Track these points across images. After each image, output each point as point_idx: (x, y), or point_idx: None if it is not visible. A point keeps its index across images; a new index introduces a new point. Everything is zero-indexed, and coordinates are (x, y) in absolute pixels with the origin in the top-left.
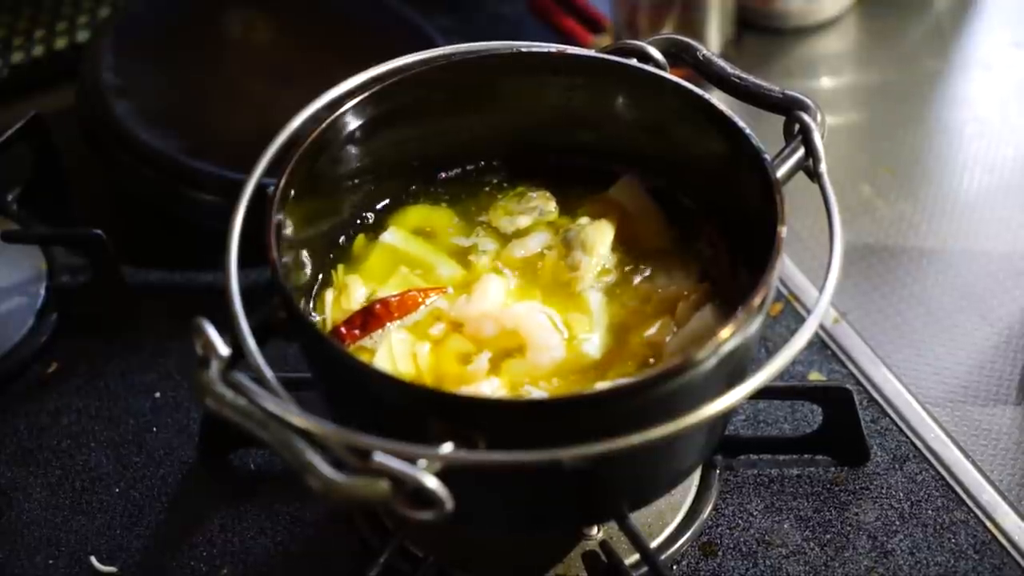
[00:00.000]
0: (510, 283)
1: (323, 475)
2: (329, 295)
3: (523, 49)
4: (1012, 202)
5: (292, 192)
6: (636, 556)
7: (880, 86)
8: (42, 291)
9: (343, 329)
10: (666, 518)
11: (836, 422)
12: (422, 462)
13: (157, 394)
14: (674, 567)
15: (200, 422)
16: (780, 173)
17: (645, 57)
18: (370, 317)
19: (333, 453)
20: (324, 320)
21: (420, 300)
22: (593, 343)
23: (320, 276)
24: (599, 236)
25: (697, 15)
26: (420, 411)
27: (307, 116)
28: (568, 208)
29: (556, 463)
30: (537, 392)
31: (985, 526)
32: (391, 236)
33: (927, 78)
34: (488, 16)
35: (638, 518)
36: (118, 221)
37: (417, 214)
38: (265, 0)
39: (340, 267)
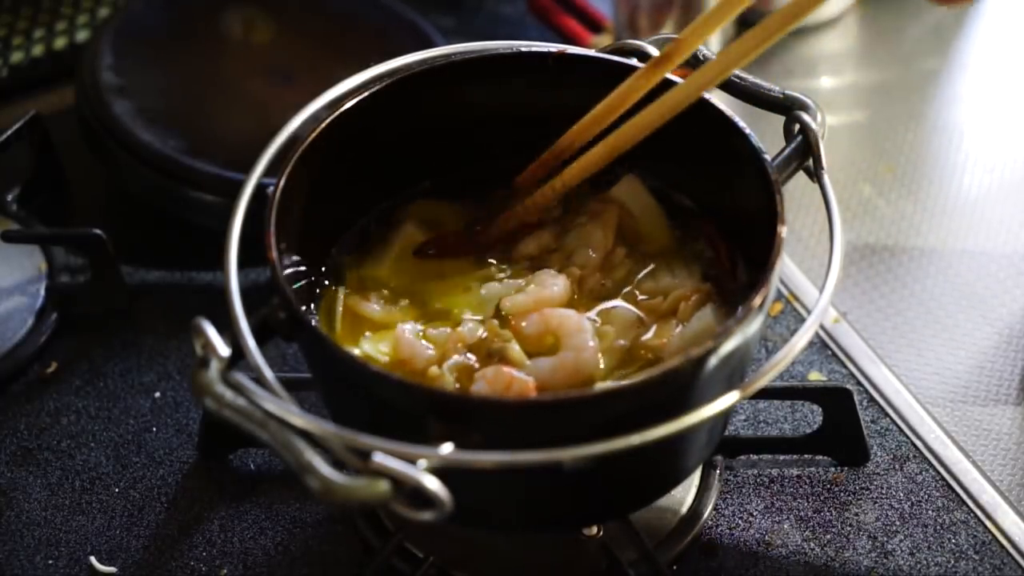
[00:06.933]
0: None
1: (323, 475)
2: (330, 295)
3: (523, 49)
4: (1012, 202)
5: (292, 192)
6: (636, 556)
7: (880, 85)
8: (42, 291)
9: None
10: (666, 518)
11: (836, 422)
12: (422, 462)
13: (157, 394)
14: (674, 567)
15: (200, 422)
16: (780, 173)
17: (645, 57)
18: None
19: (333, 453)
20: (327, 319)
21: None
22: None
23: (321, 276)
24: (601, 236)
25: (697, 15)
26: (420, 411)
27: (307, 116)
28: (571, 207)
29: (556, 463)
30: (527, 377)
31: (985, 526)
32: (394, 235)
33: (927, 78)
34: (488, 16)
35: (638, 518)
36: (118, 221)
37: (418, 214)
38: (265, 0)
39: (340, 267)
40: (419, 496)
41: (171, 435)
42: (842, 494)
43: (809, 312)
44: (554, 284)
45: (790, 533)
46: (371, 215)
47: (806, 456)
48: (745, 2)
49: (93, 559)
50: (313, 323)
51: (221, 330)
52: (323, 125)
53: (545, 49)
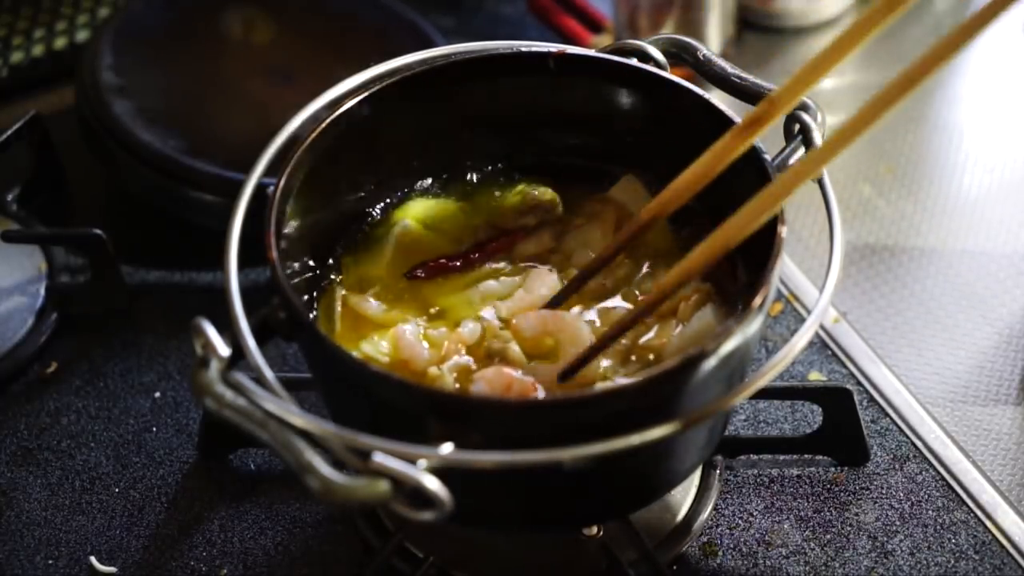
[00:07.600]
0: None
1: (323, 475)
2: (330, 294)
3: (523, 49)
4: (1012, 202)
5: (292, 192)
6: (636, 556)
7: (880, 86)
8: (42, 291)
9: None
10: (666, 518)
11: (836, 422)
12: (422, 462)
13: (157, 394)
14: (674, 567)
15: (200, 422)
16: (780, 173)
17: (645, 57)
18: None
19: (333, 453)
20: (327, 319)
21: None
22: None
23: (321, 276)
24: (600, 236)
25: (697, 15)
26: (420, 411)
27: (307, 116)
28: (570, 208)
29: (556, 463)
30: (527, 378)
31: (985, 526)
32: (394, 234)
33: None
34: (488, 16)
35: (638, 518)
36: (118, 221)
37: (416, 214)
38: (265, 0)
39: (341, 266)
40: (419, 496)
41: (171, 435)
42: (842, 494)
43: (809, 312)
44: (542, 286)
45: (790, 533)
46: (371, 214)
47: (806, 456)
48: (833, 63)
49: (93, 559)
50: (313, 323)
51: (221, 330)
52: (323, 125)
53: (545, 49)
